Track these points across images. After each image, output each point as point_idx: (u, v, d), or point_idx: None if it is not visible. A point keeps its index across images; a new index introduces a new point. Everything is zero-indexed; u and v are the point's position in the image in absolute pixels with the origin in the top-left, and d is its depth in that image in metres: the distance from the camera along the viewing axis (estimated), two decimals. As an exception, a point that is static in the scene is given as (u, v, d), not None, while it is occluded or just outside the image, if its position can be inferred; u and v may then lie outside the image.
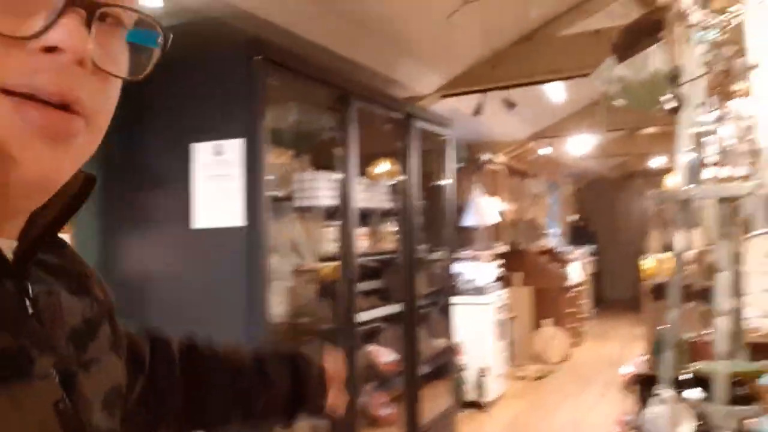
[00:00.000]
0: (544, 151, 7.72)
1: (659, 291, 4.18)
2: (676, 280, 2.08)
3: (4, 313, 0.45)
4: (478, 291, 5.85)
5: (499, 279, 6.33)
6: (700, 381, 2.00)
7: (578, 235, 11.09)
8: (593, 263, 10.49)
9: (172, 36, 0.51)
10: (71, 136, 0.45)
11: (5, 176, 0.43)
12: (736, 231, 1.95)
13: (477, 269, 6.11)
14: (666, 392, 1.89)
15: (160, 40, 0.50)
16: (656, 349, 3.94)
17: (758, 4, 1.71)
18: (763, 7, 1.69)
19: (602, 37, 3.51)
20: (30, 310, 0.47)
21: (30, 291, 0.48)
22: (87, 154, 0.49)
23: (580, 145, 7.45)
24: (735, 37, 1.74)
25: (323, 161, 3.24)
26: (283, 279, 3.04)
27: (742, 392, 1.82)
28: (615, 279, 12.00)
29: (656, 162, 8.78)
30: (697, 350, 3.64)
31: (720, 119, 1.84)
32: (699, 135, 1.89)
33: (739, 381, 1.87)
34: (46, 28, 0.42)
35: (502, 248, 7.33)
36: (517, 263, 7.52)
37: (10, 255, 0.48)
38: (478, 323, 5.72)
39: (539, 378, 6.87)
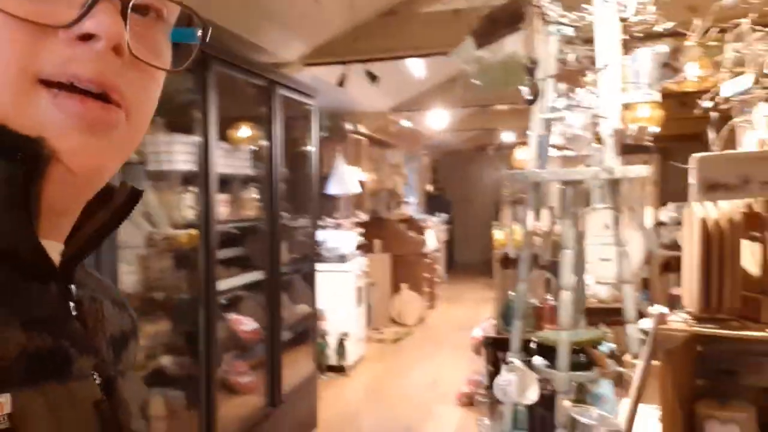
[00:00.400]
0: (405, 123, 7.89)
1: (507, 260, 4.46)
2: (525, 255, 2.23)
3: (46, 313, 0.45)
4: (341, 258, 5.93)
5: (359, 246, 6.45)
6: (545, 347, 2.18)
7: (434, 204, 11.55)
8: (448, 230, 10.99)
9: (210, 28, 0.51)
10: (111, 126, 0.45)
11: (49, 170, 0.43)
12: (579, 211, 2.13)
13: (339, 237, 6.18)
14: (515, 361, 2.04)
15: (199, 33, 0.51)
16: (503, 314, 4.23)
17: (603, 4, 1.85)
18: (608, 7, 1.84)
19: (461, 16, 3.62)
20: (73, 313, 0.48)
21: (74, 294, 0.49)
22: (129, 148, 0.48)
23: (438, 119, 7.71)
24: (587, 32, 1.88)
25: (181, 124, 3.09)
26: (134, 247, 2.90)
27: (584, 359, 2.01)
28: (467, 245, 12.67)
29: (507, 137, 9.30)
30: (541, 315, 3.96)
31: (569, 107, 1.98)
32: (549, 121, 2.03)
33: (581, 349, 2.06)
34: (82, 16, 0.42)
35: (364, 216, 7.46)
36: (377, 231, 7.70)
37: (57, 257, 0.48)
38: (340, 289, 5.81)
39: (396, 340, 7.14)
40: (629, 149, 2.25)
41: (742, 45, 1.58)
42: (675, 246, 4.48)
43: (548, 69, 1.87)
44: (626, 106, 1.98)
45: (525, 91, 1.91)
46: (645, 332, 1.46)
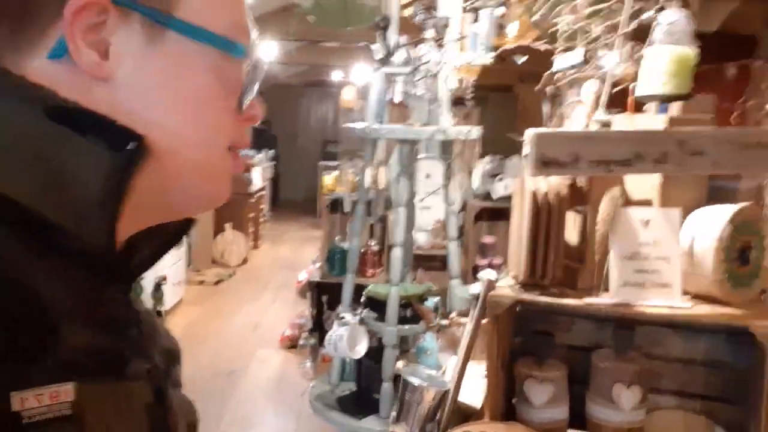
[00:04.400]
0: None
1: (335, 205, 4.46)
2: (360, 209, 2.21)
3: (110, 315, 0.49)
4: (158, 198, 5.56)
5: (180, 185, 6.09)
6: (374, 301, 2.21)
7: (259, 139, 11.22)
8: (273, 167, 10.78)
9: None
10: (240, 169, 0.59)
11: (143, 167, 0.49)
12: (413, 168, 2.14)
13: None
14: (347, 315, 2.04)
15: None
16: (329, 259, 4.24)
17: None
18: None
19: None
20: (133, 319, 0.53)
21: (133, 303, 0.54)
22: None
23: (266, 50, 7.38)
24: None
25: None
26: None
27: (411, 313, 2.06)
28: (293, 183, 12.56)
29: (336, 75, 9.22)
30: (365, 261, 4.01)
31: (408, 64, 1.95)
32: (390, 77, 1.99)
33: (408, 303, 2.11)
34: (253, 105, 0.58)
35: (184, 151, 7.03)
36: (199, 167, 7.32)
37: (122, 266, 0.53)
38: (157, 231, 5.47)
39: (218, 282, 6.95)
40: (452, 102, 2.30)
41: (574, 19, 1.64)
42: (488, 197, 4.77)
43: (395, 26, 1.82)
44: (464, 67, 2.00)
45: (376, 49, 1.84)
46: (475, 296, 1.53)
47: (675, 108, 1.60)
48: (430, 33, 1.88)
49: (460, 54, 1.96)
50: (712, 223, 1.39)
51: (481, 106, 7.22)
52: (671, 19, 1.62)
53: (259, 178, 8.74)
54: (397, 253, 2.06)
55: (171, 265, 5.59)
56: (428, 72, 1.86)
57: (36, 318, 0.42)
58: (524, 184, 1.45)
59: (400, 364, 1.52)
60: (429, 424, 1.39)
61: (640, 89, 1.55)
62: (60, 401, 0.42)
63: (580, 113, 1.54)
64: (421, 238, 4.26)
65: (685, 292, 1.44)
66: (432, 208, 3.95)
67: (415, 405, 1.39)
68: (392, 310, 2.06)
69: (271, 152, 10.86)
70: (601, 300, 1.40)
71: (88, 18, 0.48)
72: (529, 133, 1.31)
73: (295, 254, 8.17)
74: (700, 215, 1.43)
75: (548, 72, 1.57)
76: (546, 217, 1.42)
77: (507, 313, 1.51)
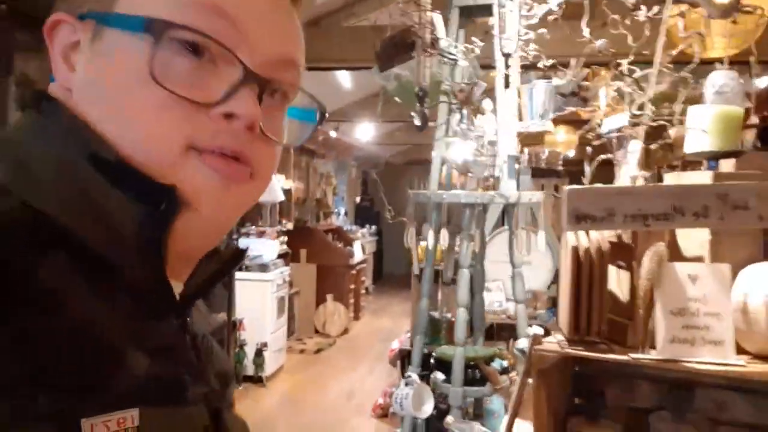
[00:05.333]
0: (332, 133, 7.92)
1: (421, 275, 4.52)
2: (428, 271, 2.29)
3: (168, 343, 0.51)
4: (263, 268, 5.87)
5: (283, 255, 6.41)
6: (445, 362, 2.24)
7: (363, 215, 11.60)
8: (376, 242, 11.06)
9: (326, 110, 0.61)
10: (242, 180, 0.52)
11: (181, 217, 0.50)
12: (476, 230, 2.20)
13: (262, 245, 6.12)
14: (413, 375, 2.09)
15: (317, 115, 0.60)
16: (415, 328, 4.28)
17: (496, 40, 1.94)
18: (498, 44, 1.93)
19: (382, 32, 3.68)
20: (190, 345, 0.55)
21: (190, 329, 0.56)
22: (250, 200, 0.56)
23: (366, 131, 7.77)
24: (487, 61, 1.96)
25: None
26: None
27: (479, 374, 2.07)
28: (394, 257, 12.76)
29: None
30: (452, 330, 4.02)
31: (463, 133, 2.05)
32: (448, 145, 2.10)
33: (475, 364, 2.13)
34: (227, 97, 0.50)
35: (289, 225, 7.42)
36: (304, 240, 7.67)
37: (176, 296, 0.54)
38: (260, 298, 5.76)
39: (318, 351, 7.12)
40: (542, 173, 2.35)
41: (622, 84, 1.69)
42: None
43: (437, 96, 1.95)
44: (521, 134, 2.07)
45: (415, 118, 1.97)
46: (523, 351, 1.54)
47: (727, 165, 1.58)
48: (487, 104, 1.99)
49: (516, 123, 2.05)
50: (765, 278, 1.36)
51: (572, 177, 7.13)
52: (720, 82, 1.65)
53: (360, 251, 9.00)
54: (461, 314, 2.10)
55: (272, 332, 5.83)
56: (480, 140, 1.96)
57: (102, 349, 0.44)
58: (566, 241, 1.48)
59: (449, 419, 1.54)
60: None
61: (688, 147, 1.57)
62: (126, 427, 0.44)
63: (625, 171, 1.56)
64: (511, 308, 4.23)
65: (743, 351, 1.39)
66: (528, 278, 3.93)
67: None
68: (458, 370, 2.08)
69: (374, 228, 11.17)
70: (648, 356, 1.38)
71: (63, 36, 0.52)
72: (564, 190, 1.36)
73: (394, 326, 8.24)
74: (753, 271, 1.39)
75: (581, 130, 1.62)
76: (588, 272, 1.44)
77: (555, 369, 1.51)
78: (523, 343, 1.49)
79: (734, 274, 1.40)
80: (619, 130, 1.59)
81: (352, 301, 8.41)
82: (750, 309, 1.36)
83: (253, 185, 0.54)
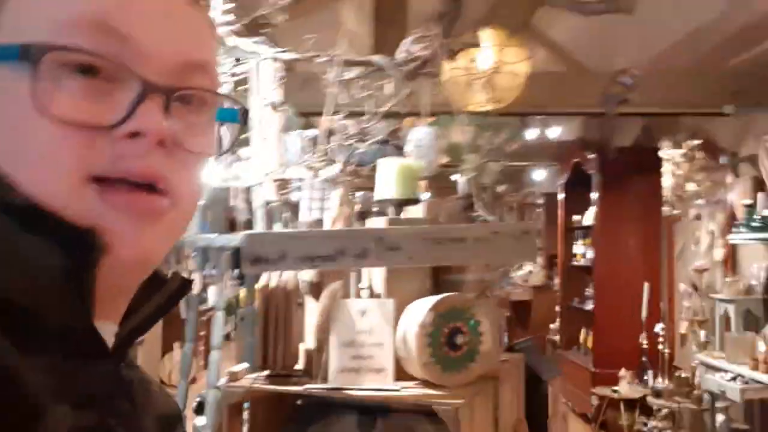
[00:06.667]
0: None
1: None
2: (191, 317, 2.34)
3: (96, 392, 0.46)
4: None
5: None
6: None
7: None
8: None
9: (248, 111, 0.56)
10: (157, 214, 0.47)
11: (103, 259, 0.45)
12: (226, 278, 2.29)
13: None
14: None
15: (240, 115, 0.55)
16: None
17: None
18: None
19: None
20: (123, 391, 0.49)
21: (125, 374, 0.50)
22: (178, 232, 0.51)
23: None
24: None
25: None
26: None
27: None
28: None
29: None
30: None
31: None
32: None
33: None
34: (127, 116, 0.45)
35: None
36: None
37: (110, 338, 0.50)
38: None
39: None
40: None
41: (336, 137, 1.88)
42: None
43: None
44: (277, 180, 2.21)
45: None
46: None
47: (416, 211, 1.79)
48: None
49: (272, 170, 2.19)
50: (419, 311, 1.54)
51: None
52: (418, 137, 1.87)
53: (212, 296, 8.83)
54: (212, 357, 2.17)
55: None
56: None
57: (19, 404, 0.41)
58: (258, 282, 1.61)
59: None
60: None
61: (377, 194, 1.76)
62: None
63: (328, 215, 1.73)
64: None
65: (410, 378, 1.55)
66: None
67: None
68: (209, 413, 2.14)
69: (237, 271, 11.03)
70: (319, 385, 1.52)
71: None
72: (242, 234, 1.48)
73: (246, 372, 8.10)
74: (415, 305, 1.58)
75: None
76: (275, 309, 1.57)
77: (258, 404, 1.61)
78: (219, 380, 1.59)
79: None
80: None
81: (201, 348, 8.21)
82: (407, 338, 1.53)
83: (176, 214, 0.50)
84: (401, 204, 1.72)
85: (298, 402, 1.77)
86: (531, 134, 4.96)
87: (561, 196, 6.93)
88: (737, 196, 4.51)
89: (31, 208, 0.45)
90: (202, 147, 0.51)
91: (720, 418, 4.25)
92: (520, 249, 1.55)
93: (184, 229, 0.53)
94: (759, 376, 3.80)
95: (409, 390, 1.50)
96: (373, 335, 1.54)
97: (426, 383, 1.53)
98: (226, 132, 0.57)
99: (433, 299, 1.55)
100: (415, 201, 1.73)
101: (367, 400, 1.50)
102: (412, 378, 1.56)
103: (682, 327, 5.28)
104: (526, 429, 1.77)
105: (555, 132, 5.18)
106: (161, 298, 0.54)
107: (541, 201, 8.35)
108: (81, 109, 0.45)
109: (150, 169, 0.46)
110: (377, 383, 1.50)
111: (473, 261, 1.63)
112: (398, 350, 1.55)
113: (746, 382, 3.87)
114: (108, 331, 0.49)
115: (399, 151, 2.58)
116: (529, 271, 9.31)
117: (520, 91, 3.11)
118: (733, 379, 3.97)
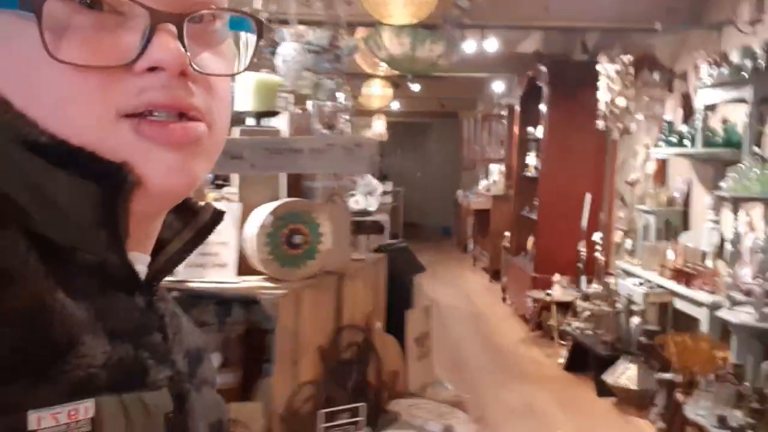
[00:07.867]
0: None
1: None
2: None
3: (131, 324, 0.47)
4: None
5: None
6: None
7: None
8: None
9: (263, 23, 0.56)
10: (196, 141, 0.47)
11: (136, 192, 0.46)
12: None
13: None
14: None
15: (253, 26, 0.53)
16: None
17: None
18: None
19: None
20: (156, 325, 0.50)
21: (157, 307, 0.51)
22: (214, 153, 0.51)
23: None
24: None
25: None
26: None
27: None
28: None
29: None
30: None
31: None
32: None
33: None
34: (142, 51, 0.45)
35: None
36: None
37: (143, 269, 0.51)
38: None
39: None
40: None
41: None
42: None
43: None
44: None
45: None
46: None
47: (277, 122, 1.92)
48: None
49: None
50: (261, 214, 1.71)
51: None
52: (287, 51, 1.97)
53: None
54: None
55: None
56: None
57: (51, 334, 0.41)
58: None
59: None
60: None
61: (236, 106, 1.89)
62: (78, 419, 0.41)
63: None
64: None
65: (253, 273, 1.75)
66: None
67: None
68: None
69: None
70: (170, 278, 1.71)
71: None
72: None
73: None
74: (258, 209, 1.75)
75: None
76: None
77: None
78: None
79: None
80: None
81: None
82: (249, 238, 1.72)
83: (213, 137, 0.49)
84: (260, 115, 1.85)
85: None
86: (469, 46, 4.99)
87: (517, 108, 7.02)
88: (668, 111, 4.64)
89: (60, 145, 0.45)
90: (223, 65, 0.50)
91: (635, 320, 4.57)
92: (354, 160, 1.70)
93: (220, 150, 0.52)
94: (663, 281, 4.07)
95: (248, 283, 1.69)
96: (220, 235, 1.72)
97: (270, 279, 1.73)
98: (244, 47, 0.54)
99: (274, 204, 1.71)
100: (273, 113, 1.85)
101: (207, 291, 1.70)
102: (256, 274, 1.75)
103: (618, 236, 5.54)
104: (378, 318, 1.99)
105: (492, 44, 5.20)
106: (190, 232, 0.54)
107: (504, 113, 8.43)
108: (94, 48, 0.44)
109: (177, 99, 0.46)
110: (220, 277, 1.70)
111: (310, 170, 1.78)
112: (244, 249, 1.73)
113: (651, 288, 4.16)
114: (141, 262, 0.50)
115: (337, 60, 2.66)
116: (493, 181, 9.54)
117: (435, 6, 3.17)
118: (641, 284, 4.25)
